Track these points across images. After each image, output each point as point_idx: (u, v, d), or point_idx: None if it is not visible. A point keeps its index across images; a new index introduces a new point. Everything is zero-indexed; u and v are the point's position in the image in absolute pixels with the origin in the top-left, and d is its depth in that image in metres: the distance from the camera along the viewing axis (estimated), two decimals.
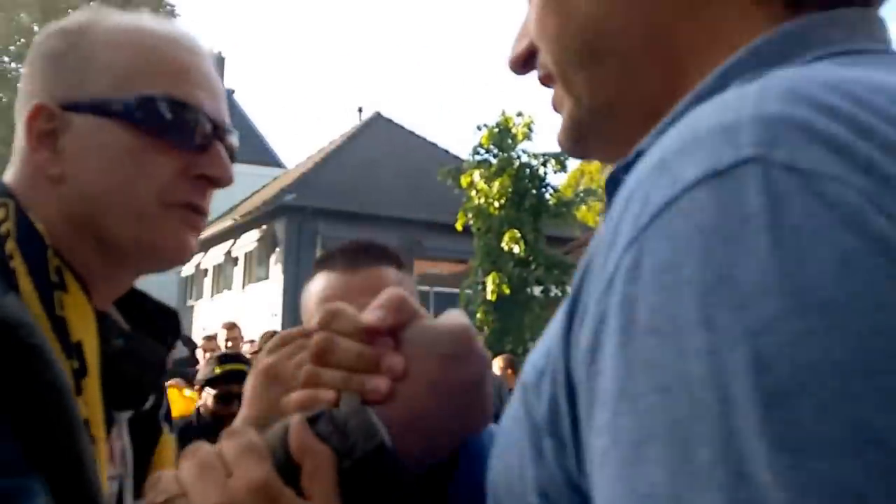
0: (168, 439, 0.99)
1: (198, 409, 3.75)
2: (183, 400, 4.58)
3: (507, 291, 13.08)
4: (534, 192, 13.97)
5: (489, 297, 13.17)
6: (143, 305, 1.02)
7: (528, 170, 14.00)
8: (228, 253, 22.77)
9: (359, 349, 0.62)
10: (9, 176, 0.92)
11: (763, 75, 0.44)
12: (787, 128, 0.37)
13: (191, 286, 25.77)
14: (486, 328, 12.96)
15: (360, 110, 26.78)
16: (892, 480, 0.31)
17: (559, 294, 13.36)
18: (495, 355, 7.99)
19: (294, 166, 25.89)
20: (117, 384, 0.87)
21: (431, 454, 0.62)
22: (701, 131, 0.40)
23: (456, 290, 14.91)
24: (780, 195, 0.36)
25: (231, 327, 6.79)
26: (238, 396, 3.47)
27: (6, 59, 19.22)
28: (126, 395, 0.91)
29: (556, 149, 2.65)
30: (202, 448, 0.58)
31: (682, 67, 0.54)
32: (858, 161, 0.36)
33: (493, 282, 13.08)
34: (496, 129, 14.03)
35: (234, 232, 22.14)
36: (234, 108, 30.51)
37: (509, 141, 14.01)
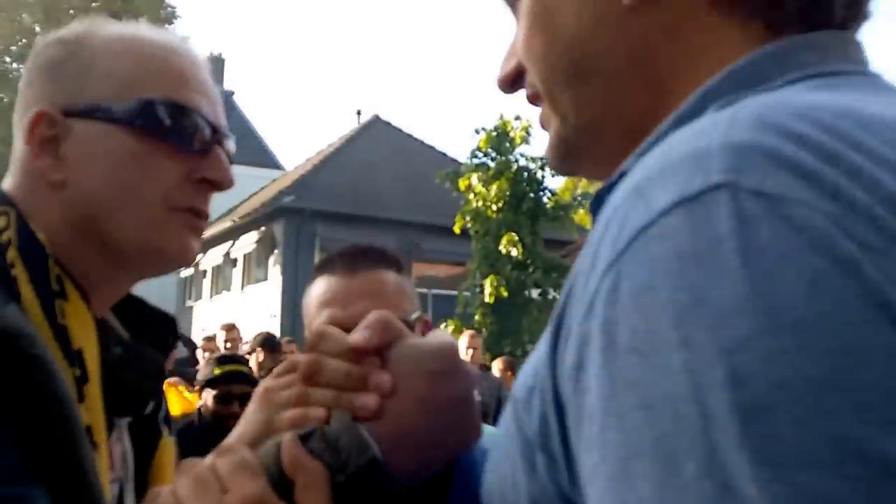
0: (168, 442, 1.00)
1: (199, 409, 3.77)
2: (183, 400, 4.60)
3: (505, 294, 13.06)
4: (531, 195, 13.96)
5: (487, 299, 13.14)
6: (141, 311, 1.02)
7: (525, 173, 13.98)
8: (227, 254, 22.70)
9: (347, 368, 0.63)
10: (7, 184, 0.92)
11: (740, 98, 0.45)
12: (755, 155, 0.39)
13: (190, 287, 25.67)
14: (484, 330, 12.94)
15: (358, 113, 26.61)
16: (872, 491, 0.32)
17: (557, 297, 13.24)
18: (494, 357, 7.99)
19: (293, 168, 25.78)
20: (117, 391, 0.87)
21: (424, 468, 0.63)
22: (674, 158, 0.42)
23: (454, 293, 14.85)
24: (749, 219, 0.37)
25: (230, 328, 6.76)
26: (237, 396, 3.50)
27: (8, 59, 19.10)
28: (126, 402, 0.91)
29: None
30: (197, 464, 0.59)
31: (666, 88, 0.55)
32: (825, 187, 0.37)
33: (491, 284, 13.06)
34: (494, 133, 14.01)
35: (232, 233, 22.06)
36: (233, 109, 30.38)
37: (507, 144, 13.99)
